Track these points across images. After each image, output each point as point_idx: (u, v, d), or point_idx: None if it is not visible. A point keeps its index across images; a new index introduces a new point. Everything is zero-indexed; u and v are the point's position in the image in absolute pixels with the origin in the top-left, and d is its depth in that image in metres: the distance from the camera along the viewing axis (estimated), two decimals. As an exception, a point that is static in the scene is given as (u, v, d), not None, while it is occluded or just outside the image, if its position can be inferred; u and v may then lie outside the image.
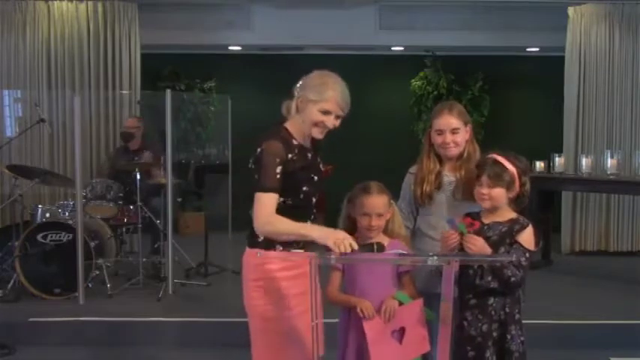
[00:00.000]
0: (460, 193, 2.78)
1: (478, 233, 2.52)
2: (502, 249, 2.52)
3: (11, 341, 4.22)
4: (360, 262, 2.57)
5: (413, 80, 8.41)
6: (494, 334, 2.52)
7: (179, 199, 6.82)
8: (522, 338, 2.56)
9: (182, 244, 5.89)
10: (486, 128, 7.94)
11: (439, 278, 2.31)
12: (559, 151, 6.48)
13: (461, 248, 2.52)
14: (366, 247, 2.44)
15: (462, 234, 2.51)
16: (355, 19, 7.64)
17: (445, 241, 2.55)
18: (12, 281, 4.99)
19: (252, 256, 2.48)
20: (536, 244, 2.60)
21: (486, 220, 2.58)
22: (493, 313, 2.53)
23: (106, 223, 5.57)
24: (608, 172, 5.89)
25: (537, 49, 8.11)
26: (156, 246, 5.91)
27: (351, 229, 2.71)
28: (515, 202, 2.61)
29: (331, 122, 2.48)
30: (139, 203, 5.41)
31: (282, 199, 2.45)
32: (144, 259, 5.50)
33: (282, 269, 2.44)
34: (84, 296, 4.88)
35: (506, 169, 2.57)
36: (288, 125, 2.54)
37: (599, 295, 5.30)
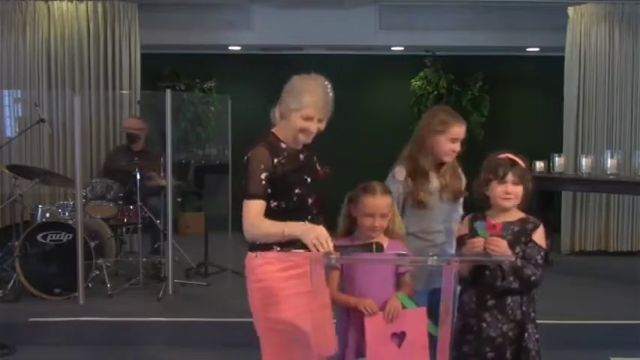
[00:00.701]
0: (446, 195, 2.98)
1: (500, 236, 2.50)
2: (517, 248, 2.53)
3: (11, 341, 4.22)
4: (359, 262, 2.57)
5: (413, 80, 8.41)
6: (511, 333, 2.53)
7: (179, 199, 6.81)
8: (537, 336, 2.58)
9: (182, 244, 5.89)
10: (486, 128, 7.96)
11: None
12: (559, 151, 6.48)
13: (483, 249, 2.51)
14: (366, 246, 2.43)
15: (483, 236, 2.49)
16: (355, 19, 7.64)
17: (471, 246, 2.53)
18: (12, 281, 4.99)
19: (252, 259, 2.49)
20: (546, 242, 2.63)
21: (497, 220, 2.56)
22: (510, 312, 2.54)
23: (106, 223, 5.57)
24: (608, 172, 5.89)
25: (537, 49, 8.11)
26: (156, 246, 5.91)
27: (351, 228, 2.72)
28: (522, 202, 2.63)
29: (314, 127, 2.48)
30: (138, 203, 5.42)
31: (275, 204, 2.46)
32: (144, 259, 5.50)
33: (281, 270, 2.44)
34: (84, 296, 4.88)
35: (527, 168, 2.61)
36: (276, 130, 2.56)
37: (599, 295, 5.30)
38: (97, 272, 5.18)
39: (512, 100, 8.57)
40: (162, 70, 8.32)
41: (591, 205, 7.03)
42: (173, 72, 8.37)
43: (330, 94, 2.51)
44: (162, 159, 5.41)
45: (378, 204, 2.63)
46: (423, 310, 2.56)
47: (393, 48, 8.24)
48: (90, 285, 5.08)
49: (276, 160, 2.46)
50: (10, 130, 6.88)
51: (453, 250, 2.93)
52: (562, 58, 7.04)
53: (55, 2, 6.79)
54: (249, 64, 8.46)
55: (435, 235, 3.02)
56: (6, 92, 6.86)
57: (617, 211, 7.01)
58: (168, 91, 5.21)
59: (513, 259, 2.42)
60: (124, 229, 5.89)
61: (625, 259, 6.80)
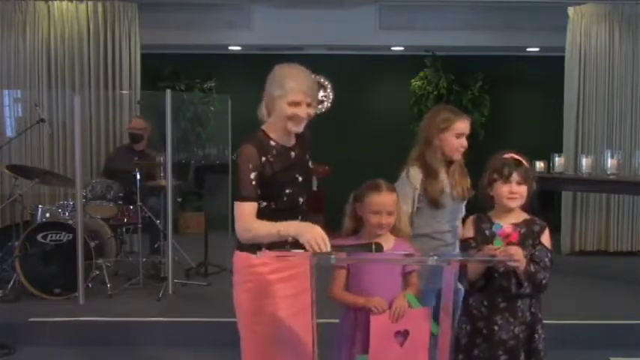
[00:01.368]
0: (456, 194, 2.99)
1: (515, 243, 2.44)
2: (525, 251, 2.48)
3: (11, 341, 4.22)
4: (359, 262, 2.56)
5: (413, 80, 8.41)
6: (522, 335, 2.53)
7: (179, 199, 6.81)
8: (544, 336, 2.58)
9: (182, 244, 5.89)
10: (486, 128, 7.95)
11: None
12: (559, 151, 6.47)
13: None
14: (365, 246, 2.42)
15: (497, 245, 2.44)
16: (355, 19, 7.64)
17: (489, 254, 2.44)
18: (12, 281, 4.99)
19: (240, 259, 2.46)
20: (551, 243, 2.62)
21: (502, 222, 2.52)
22: (521, 314, 2.53)
23: (106, 223, 5.57)
24: (608, 172, 5.88)
25: (537, 49, 8.12)
26: (156, 246, 5.91)
27: (356, 227, 2.71)
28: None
29: (304, 112, 2.41)
30: (138, 203, 5.42)
31: (265, 204, 2.41)
32: (144, 259, 5.50)
33: (273, 271, 2.41)
34: (84, 296, 4.88)
35: (531, 167, 2.60)
36: (265, 127, 2.50)
37: (599, 295, 5.30)
38: (97, 272, 5.18)
39: (512, 100, 8.57)
40: (162, 70, 8.32)
41: (591, 205, 7.02)
42: (173, 72, 8.37)
43: (313, 77, 2.47)
44: (162, 159, 5.42)
45: (385, 201, 2.62)
46: (428, 310, 2.55)
47: (393, 48, 8.24)
48: (90, 285, 5.08)
49: (264, 159, 2.40)
50: (10, 130, 6.89)
51: (457, 250, 2.92)
52: (562, 58, 7.04)
53: (55, 2, 6.79)
54: (249, 64, 8.44)
55: (446, 234, 3.03)
56: (6, 92, 6.86)
57: (617, 211, 7.01)
58: (168, 91, 5.22)
59: (521, 266, 2.39)
60: (124, 229, 5.89)
61: (625, 259, 6.80)
